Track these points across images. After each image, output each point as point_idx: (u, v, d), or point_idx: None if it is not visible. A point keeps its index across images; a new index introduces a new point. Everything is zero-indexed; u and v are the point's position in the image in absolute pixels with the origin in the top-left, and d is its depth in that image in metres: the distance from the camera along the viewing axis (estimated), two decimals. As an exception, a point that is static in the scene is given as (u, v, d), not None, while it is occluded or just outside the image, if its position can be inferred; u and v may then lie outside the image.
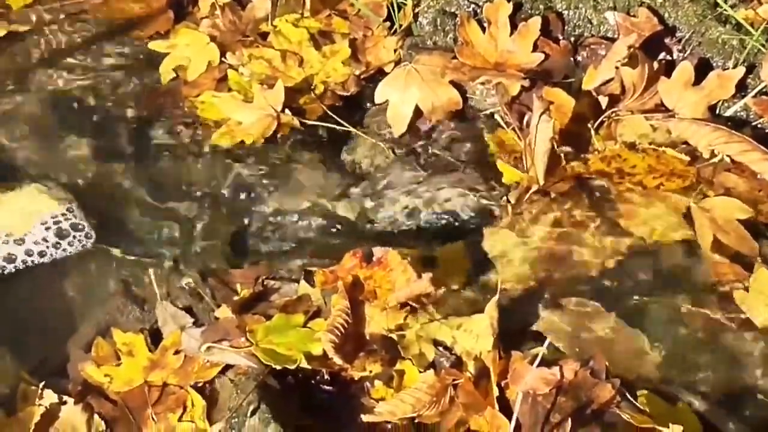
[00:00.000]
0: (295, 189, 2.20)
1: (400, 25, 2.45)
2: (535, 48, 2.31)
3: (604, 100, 2.17)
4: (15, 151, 2.31)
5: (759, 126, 2.16)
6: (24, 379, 1.85)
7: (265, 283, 1.97)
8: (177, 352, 1.87)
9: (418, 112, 2.27)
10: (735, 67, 2.16)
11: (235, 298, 1.93)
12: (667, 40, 2.26)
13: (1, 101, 2.44)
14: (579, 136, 2.14)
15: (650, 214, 1.98)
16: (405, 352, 1.76)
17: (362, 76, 2.41)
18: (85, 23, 2.64)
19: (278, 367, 1.74)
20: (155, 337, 1.92)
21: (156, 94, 2.45)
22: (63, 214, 2.12)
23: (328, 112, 2.31)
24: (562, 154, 2.07)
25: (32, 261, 2.06)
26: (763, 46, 2.13)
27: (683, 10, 2.25)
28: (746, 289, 1.82)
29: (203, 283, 2.00)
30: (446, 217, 2.09)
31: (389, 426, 1.69)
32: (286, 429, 1.65)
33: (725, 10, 2.22)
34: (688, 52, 2.23)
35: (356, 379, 1.76)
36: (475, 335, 1.75)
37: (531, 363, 1.65)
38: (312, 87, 2.39)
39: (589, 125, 2.14)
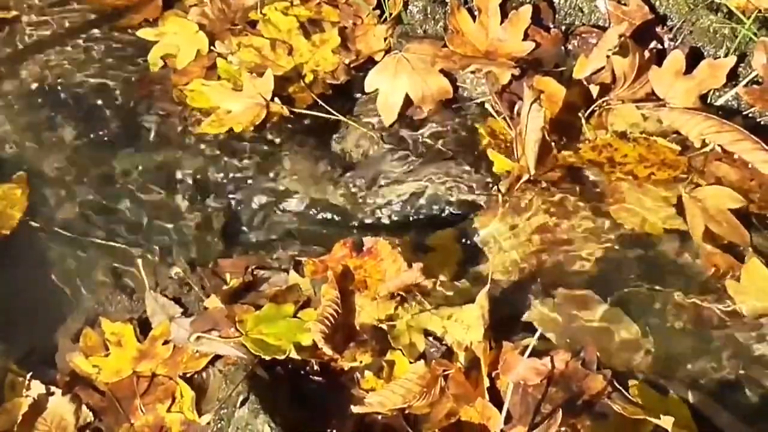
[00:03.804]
0: (284, 178, 2.19)
1: (390, 14, 2.43)
2: (526, 36, 2.31)
3: (595, 89, 2.16)
4: (2, 140, 2.30)
5: (750, 115, 2.15)
6: (11, 370, 1.85)
7: (254, 272, 1.96)
8: (166, 343, 1.86)
9: (408, 101, 2.26)
10: (726, 56, 2.16)
11: (225, 287, 1.92)
12: (658, 29, 2.25)
13: (-13, 88, 2.43)
14: (570, 125, 2.13)
15: (641, 203, 1.97)
16: (395, 342, 1.75)
17: (352, 65, 2.40)
18: (73, 11, 2.63)
19: (268, 358, 1.73)
20: (144, 327, 1.91)
21: (145, 82, 2.43)
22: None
23: (318, 100, 2.30)
24: (553, 144, 2.07)
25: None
26: (755, 34, 2.13)
27: (674, -1, 2.25)
28: (738, 278, 1.82)
29: (192, 272, 2.00)
30: (437, 206, 2.08)
31: (379, 417, 1.68)
32: (276, 420, 1.64)
33: (717, -2, 2.22)
34: (679, 40, 2.23)
35: (346, 369, 1.76)
36: (465, 325, 1.75)
37: (522, 353, 1.65)
38: (301, 75, 2.38)
39: (580, 114, 2.14)
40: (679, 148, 2.06)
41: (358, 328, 1.79)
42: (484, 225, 2.00)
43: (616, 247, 1.92)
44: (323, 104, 2.29)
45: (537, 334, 1.65)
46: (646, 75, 2.15)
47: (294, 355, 1.73)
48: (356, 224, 2.10)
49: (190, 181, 2.21)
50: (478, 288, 1.77)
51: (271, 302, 1.85)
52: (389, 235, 1.93)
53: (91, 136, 2.31)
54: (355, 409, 1.63)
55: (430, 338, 1.77)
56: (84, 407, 1.80)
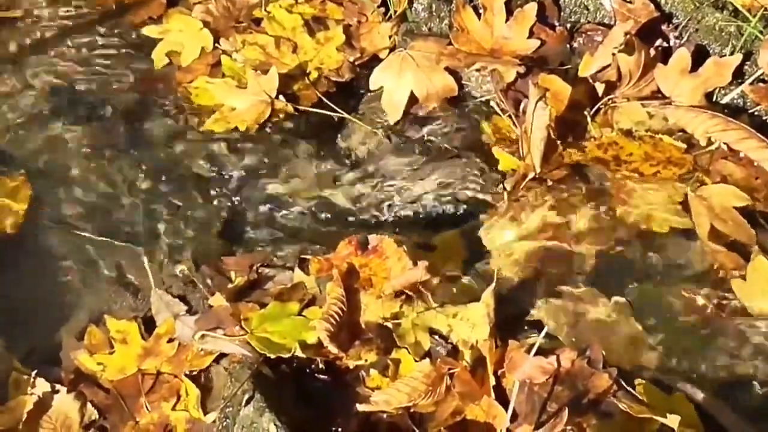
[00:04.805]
0: (289, 176, 2.19)
1: (395, 11, 2.43)
2: (531, 34, 2.30)
3: (600, 87, 2.16)
4: (6, 138, 2.30)
5: (756, 113, 2.14)
6: (16, 368, 1.84)
7: (259, 270, 1.96)
8: (171, 340, 1.86)
9: (413, 99, 2.26)
10: (732, 53, 2.15)
11: (230, 285, 1.92)
12: (663, 27, 2.25)
13: (-8, 86, 2.43)
14: (575, 123, 2.13)
15: (647, 201, 1.97)
16: (401, 340, 1.75)
17: (357, 63, 2.40)
18: (77, 8, 2.63)
19: (273, 356, 1.73)
20: (149, 324, 1.91)
21: (149, 79, 2.43)
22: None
23: (323, 98, 2.30)
24: (558, 142, 2.06)
25: None
26: (761, 32, 2.12)
27: (680, -4, 2.24)
28: (743, 277, 1.82)
29: (197, 270, 2.00)
30: (442, 204, 2.08)
31: (384, 415, 1.68)
32: (281, 418, 1.63)
33: (722, -4, 2.21)
34: (684, 38, 2.22)
35: (351, 368, 1.76)
36: (471, 324, 1.74)
37: (528, 352, 1.65)
38: (306, 73, 2.38)
39: (586, 112, 2.14)
40: (684, 146, 2.05)
41: (363, 326, 1.78)
42: (490, 223, 1.99)
43: (622, 245, 1.92)
44: (328, 102, 2.29)
45: (543, 333, 1.65)
46: (652, 73, 2.15)
47: (299, 353, 1.73)
48: (361, 222, 2.10)
49: (194, 179, 2.21)
50: (483, 286, 1.77)
51: (276, 300, 1.85)
52: (394, 233, 1.93)
53: (95, 133, 2.31)
54: (361, 407, 1.63)
55: (436, 336, 1.76)
56: (89, 405, 1.80)
